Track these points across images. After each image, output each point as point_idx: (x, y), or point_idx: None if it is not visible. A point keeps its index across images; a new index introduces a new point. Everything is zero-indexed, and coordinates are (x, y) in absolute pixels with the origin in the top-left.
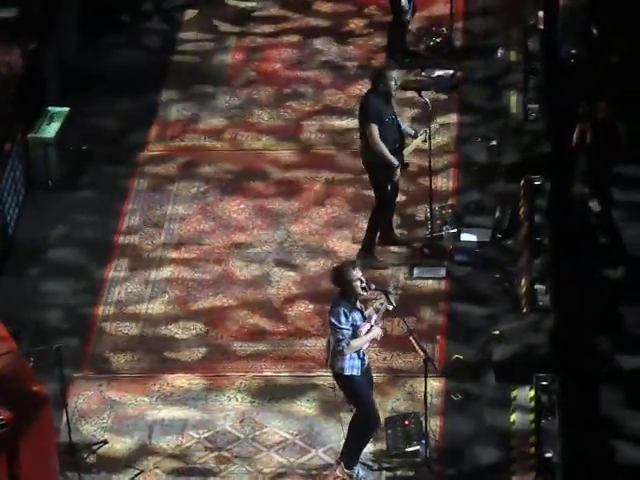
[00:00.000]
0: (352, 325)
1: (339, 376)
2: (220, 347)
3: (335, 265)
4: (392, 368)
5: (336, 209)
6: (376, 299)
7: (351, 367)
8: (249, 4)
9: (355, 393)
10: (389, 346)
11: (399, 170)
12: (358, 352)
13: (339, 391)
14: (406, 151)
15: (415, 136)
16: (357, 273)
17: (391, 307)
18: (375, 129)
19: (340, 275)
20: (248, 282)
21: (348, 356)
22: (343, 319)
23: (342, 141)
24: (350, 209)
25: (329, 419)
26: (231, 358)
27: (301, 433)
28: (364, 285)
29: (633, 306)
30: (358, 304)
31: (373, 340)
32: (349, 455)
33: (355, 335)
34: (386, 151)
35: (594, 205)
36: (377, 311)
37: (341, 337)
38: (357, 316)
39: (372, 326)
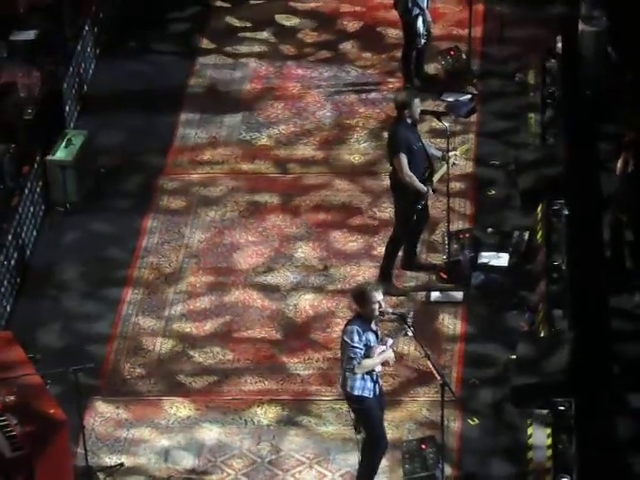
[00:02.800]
0: (365, 345)
1: (350, 396)
2: (237, 370)
3: (359, 284)
4: (409, 392)
5: (357, 233)
6: (394, 324)
7: (362, 388)
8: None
9: (365, 415)
10: (406, 370)
11: (427, 197)
12: (371, 375)
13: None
14: (433, 179)
15: (443, 158)
16: (378, 296)
17: (409, 332)
18: (404, 159)
19: (361, 294)
20: (265, 306)
21: (360, 376)
22: (356, 337)
23: (361, 165)
24: (371, 233)
25: (346, 443)
26: (248, 381)
27: (317, 457)
28: (382, 309)
29: None
30: (373, 326)
31: (386, 364)
32: (364, 479)
33: (368, 355)
34: (416, 181)
35: (628, 233)
36: (393, 335)
37: (352, 355)
38: (371, 337)
39: (386, 349)
